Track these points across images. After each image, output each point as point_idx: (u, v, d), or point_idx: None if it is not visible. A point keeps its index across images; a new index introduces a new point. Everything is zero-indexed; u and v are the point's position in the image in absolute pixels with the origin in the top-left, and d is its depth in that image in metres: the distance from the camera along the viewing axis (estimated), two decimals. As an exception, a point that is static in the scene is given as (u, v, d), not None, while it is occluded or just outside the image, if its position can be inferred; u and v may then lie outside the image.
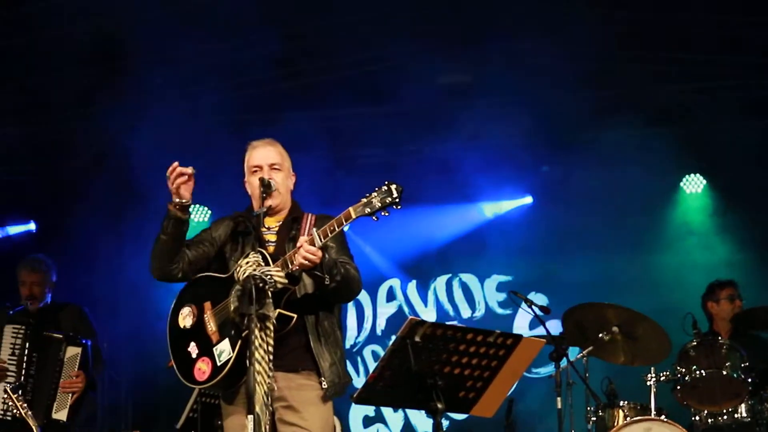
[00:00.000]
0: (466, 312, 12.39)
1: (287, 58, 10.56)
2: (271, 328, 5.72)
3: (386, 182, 5.63)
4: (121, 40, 9.78)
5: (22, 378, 8.19)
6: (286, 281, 5.79)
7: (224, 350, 5.95)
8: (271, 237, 6.12)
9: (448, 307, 12.48)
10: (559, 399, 8.02)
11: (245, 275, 5.73)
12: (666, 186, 11.90)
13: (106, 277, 11.53)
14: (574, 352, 8.43)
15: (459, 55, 10.56)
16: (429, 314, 12.36)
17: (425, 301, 12.51)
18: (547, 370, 8.46)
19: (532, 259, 11.66)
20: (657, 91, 11.01)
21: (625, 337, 8.35)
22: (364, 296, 12.25)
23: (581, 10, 9.81)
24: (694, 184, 11.87)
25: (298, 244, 5.73)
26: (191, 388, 6.29)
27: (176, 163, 5.97)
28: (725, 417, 8.20)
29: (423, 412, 5.50)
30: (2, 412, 7.99)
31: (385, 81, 10.66)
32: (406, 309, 12.48)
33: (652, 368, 8.30)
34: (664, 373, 8.30)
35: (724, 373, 8.19)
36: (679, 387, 8.26)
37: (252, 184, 6.17)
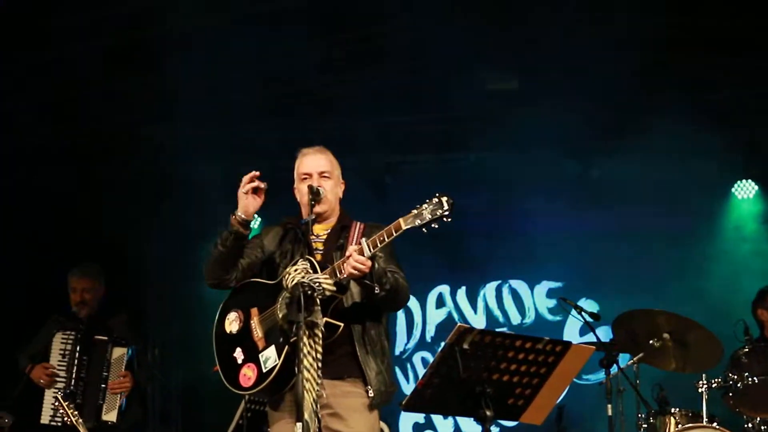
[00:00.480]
0: (515, 318, 12.35)
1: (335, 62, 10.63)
2: (320, 335, 5.71)
3: (437, 194, 5.61)
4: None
5: (72, 382, 8.26)
6: (334, 289, 5.79)
7: (270, 357, 5.96)
8: (318, 245, 6.12)
9: (497, 313, 12.44)
10: (609, 406, 7.96)
11: (294, 282, 5.73)
12: (717, 191, 11.81)
13: (156, 283, 11.58)
14: (624, 359, 8.42)
15: (509, 60, 10.58)
16: (478, 321, 12.36)
17: (475, 308, 12.48)
18: (598, 376, 8.44)
19: (583, 264, 11.59)
20: (711, 95, 10.92)
21: (675, 344, 8.28)
22: (413, 302, 12.25)
23: (635, 18, 9.82)
24: (745, 190, 11.78)
25: (348, 253, 5.73)
26: (239, 394, 6.29)
27: (256, 173, 6.02)
28: None
29: (472, 419, 5.50)
30: (51, 418, 8.05)
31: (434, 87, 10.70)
32: (455, 315, 12.46)
33: (704, 375, 8.27)
34: (716, 379, 8.26)
35: None
36: (731, 394, 8.21)
37: (301, 192, 6.17)
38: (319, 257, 6.00)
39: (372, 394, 5.95)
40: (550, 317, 12.18)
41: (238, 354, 6.11)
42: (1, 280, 10.67)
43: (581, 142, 11.35)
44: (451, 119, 11.64)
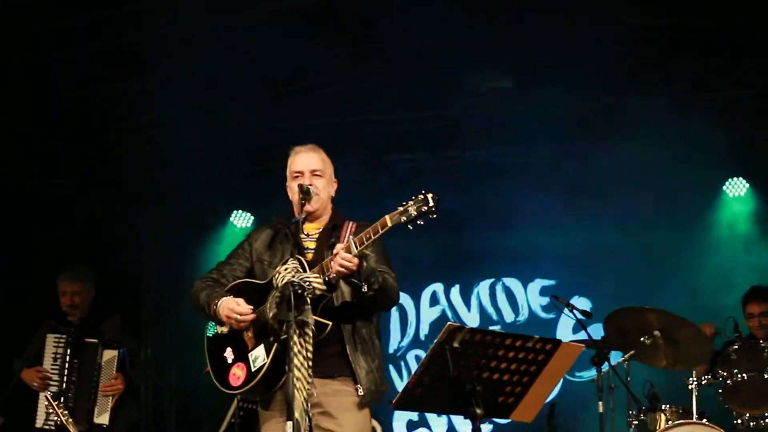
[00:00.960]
0: (509, 316, 12.41)
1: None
2: (310, 334, 5.71)
3: (423, 191, 5.60)
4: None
5: (64, 386, 8.27)
6: (324, 288, 5.79)
7: (259, 356, 5.96)
8: (310, 244, 6.11)
9: (491, 311, 12.51)
10: (600, 403, 8.02)
11: (284, 282, 5.72)
12: (709, 188, 11.87)
13: (149, 282, 11.60)
14: (615, 357, 8.42)
15: (504, 57, 10.62)
16: (472, 319, 12.42)
17: (468, 306, 12.53)
18: (589, 374, 8.48)
19: (576, 263, 11.64)
20: (704, 93, 10.94)
21: (666, 341, 8.29)
22: (407, 301, 12.30)
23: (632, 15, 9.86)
24: (737, 188, 11.84)
25: (334, 252, 5.73)
26: (230, 394, 6.30)
27: (251, 317, 6.00)
28: (767, 420, 8.15)
29: (461, 418, 5.51)
30: (44, 421, 8.06)
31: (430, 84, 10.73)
32: (449, 314, 12.52)
33: (694, 372, 8.28)
34: (706, 376, 8.26)
35: (766, 376, 8.16)
36: (720, 390, 8.24)
37: (293, 190, 6.16)
38: (310, 256, 5.99)
39: (362, 393, 5.95)
40: (543, 315, 12.25)
41: (228, 354, 6.11)
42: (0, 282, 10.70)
43: (575, 140, 11.35)
44: (445, 117, 11.64)
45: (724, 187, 11.85)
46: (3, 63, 9.99)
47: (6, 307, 10.04)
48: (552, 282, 12.19)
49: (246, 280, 6.19)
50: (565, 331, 11.52)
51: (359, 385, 5.95)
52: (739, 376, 8.20)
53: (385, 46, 10.48)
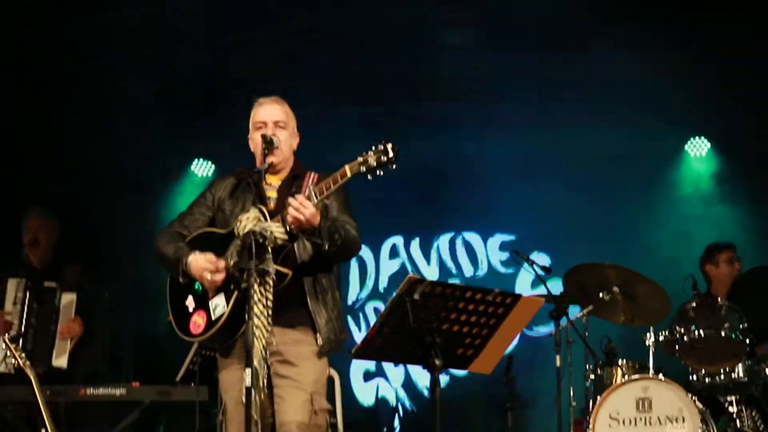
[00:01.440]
0: (468, 270, 12.44)
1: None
2: (271, 283, 5.71)
3: (382, 141, 5.63)
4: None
5: (23, 329, 8.27)
6: (285, 237, 5.79)
7: (219, 304, 5.94)
8: (272, 194, 6.11)
9: (450, 265, 12.54)
10: (558, 357, 8.12)
11: (246, 230, 5.74)
12: (671, 147, 11.96)
13: (109, 230, 11.55)
14: (574, 311, 8.47)
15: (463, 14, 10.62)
16: (431, 272, 12.43)
17: (428, 259, 12.56)
18: (548, 328, 8.55)
19: (536, 218, 11.66)
20: (666, 53, 10.86)
21: (624, 297, 8.38)
22: (366, 253, 12.31)
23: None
24: (698, 148, 11.93)
25: (295, 201, 5.73)
26: (190, 342, 6.30)
27: (221, 277, 5.94)
28: (722, 377, 8.21)
29: (420, 368, 5.53)
30: (4, 365, 8.05)
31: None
32: (408, 266, 12.53)
33: (651, 328, 8.33)
34: (663, 332, 8.32)
35: (723, 334, 8.21)
36: (677, 346, 8.28)
37: (255, 141, 6.15)
38: (272, 206, 6.00)
39: (321, 342, 5.96)
40: (502, 270, 12.29)
41: (189, 302, 6.10)
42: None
43: (535, 93, 11.34)
44: (407, 71, 11.61)
45: (686, 147, 11.93)
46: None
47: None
48: (512, 237, 12.20)
49: (207, 229, 6.18)
50: (524, 285, 11.57)
51: (318, 335, 5.96)
52: (696, 333, 8.24)
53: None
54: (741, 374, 8.17)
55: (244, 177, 6.23)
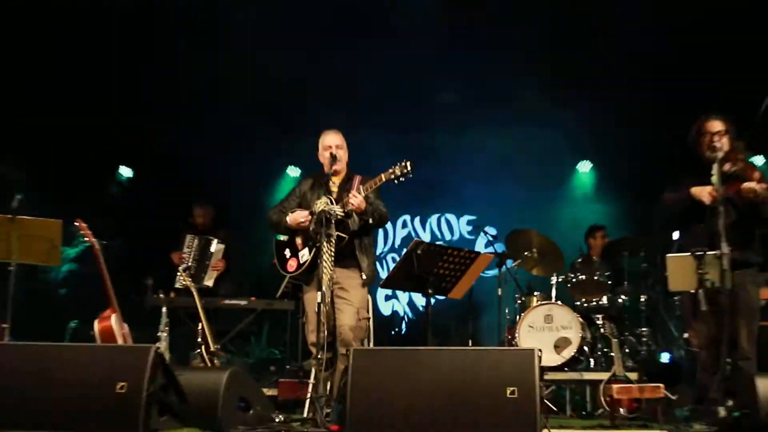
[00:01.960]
0: (448, 237, 12.31)
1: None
2: (333, 242, 5.76)
3: (405, 159, 5.64)
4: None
5: (191, 262, 8.26)
6: (342, 214, 5.85)
7: (305, 254, 6.03)
8: (334, 189, 6.09)
9: (437, 233, 12.40)
10: (499, 290, 8.01)
11: (319, 210, 5.79)
12: (569, 164, 11.84)
13: (239, 208, 11.38)
14: (510, 263, 8.35)
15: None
16: (426, 237, 12.26)
17: (424, 229, 12.44)
18: (493, 272, 8.46)
19: (490, 206, 11.43)
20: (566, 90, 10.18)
21: (540, 255, 8.32)
22: (387, 225, 12.21)
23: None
24: (585, 166, 11.82)
25: (350, 195, 5.82)
26: (285, 275, 6.31)
27: (308, 217, 5.99)
28: (593, 303, 8.15)
29: (419, 295, 5.61)
30: (179, 282, 8.05)
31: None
32: (413, 233, 12.42)
33: (555, 274, 8.30)
34: (561, 277, 8.28)
35: (595, 278, 8.19)
36: (569, 285, 8.25)
37: (324, 156, 6.12)
38: (335, 196, 6.00)
39: (364, 277, 6.03)
40: (468, 237, 12.12)
41: (287, 252, 6.17)
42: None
43: (472, 123, 11.04)
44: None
45: (578, 165, 11.85)
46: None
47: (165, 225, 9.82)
48: (474, 217, 12.07)
49: (297, 209, 6.20)
50: (480, 246, 11.35)
51: (363, 273, 6.03)
52: (580, 276, 8.24)
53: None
54: (605, 302, 8.11)
55: (318, 178, 6.23)
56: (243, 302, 8.04)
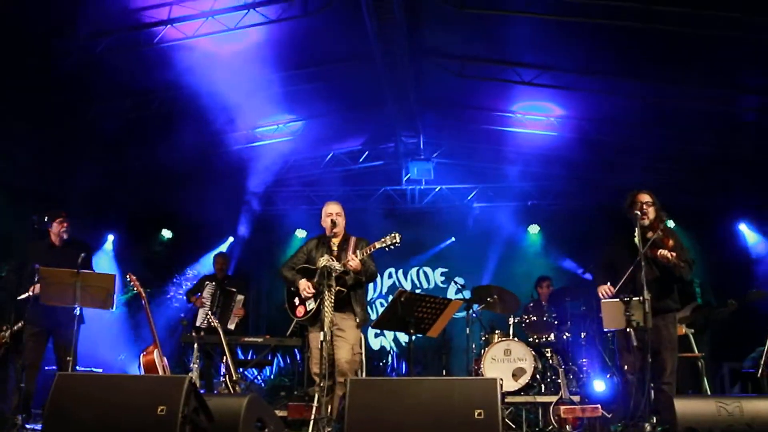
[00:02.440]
0: (425, 285, 12.28)
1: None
2: (334, 292, 5.68)
3: (395, 232, 5.64)
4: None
5: (215, 308, 8.16)
6: (341, 271, 5.79)
7: (311, 303, 5.94)
8: (334, 248, 6.02)
9: (416, 282, 12.36)
10: (467, 328, 7.90)
11: (322, 266, 5.72)
12: (522, 227, 11.86)
13: (257, 262, 11.34)
14: (476, 307, 8.33)
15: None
16: (407, 285, 12.25)
17: (406, 278, 12.41)
18: (462, 314, 8.39)
19: (459, 262, 11.54)
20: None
21: (499, 300, 8.21)
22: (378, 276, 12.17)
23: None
24: (534, 228, 11.89)
25: (348, 257, 5.76)
26: (294, 319, 6.18)
27: (311, 292, 5.89)
28: (543, 339, 8.05)
29: (403, 333, 5.52)
30: (202, 322, 7.95)
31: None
32: (396, 282, 12.38)
33: (512, 315, 8.19)
34: (517, 318, 8.18)
35: (545, 319, 8.13)
36: (523, 325, 8.16)
37: (326, 222, 6.07)
38: (335, 255, 5.94)
39: (358, 320, 5.94)
40: (441, 286, 12.10)
41: (296, 300, 6.07)
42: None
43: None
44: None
45: (529, 228, 11.88)
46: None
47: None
48: (446, 269, 12.06)
49: (304, 265, 6.12)
50: (451, 294, 11.41)
51: (356, 317, 5.94)
52: (532, 317, 8.17)
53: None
54: (553, 338, 8.00)
55: (321, 239, 6.16)
56: (259, 339, 7.96)
